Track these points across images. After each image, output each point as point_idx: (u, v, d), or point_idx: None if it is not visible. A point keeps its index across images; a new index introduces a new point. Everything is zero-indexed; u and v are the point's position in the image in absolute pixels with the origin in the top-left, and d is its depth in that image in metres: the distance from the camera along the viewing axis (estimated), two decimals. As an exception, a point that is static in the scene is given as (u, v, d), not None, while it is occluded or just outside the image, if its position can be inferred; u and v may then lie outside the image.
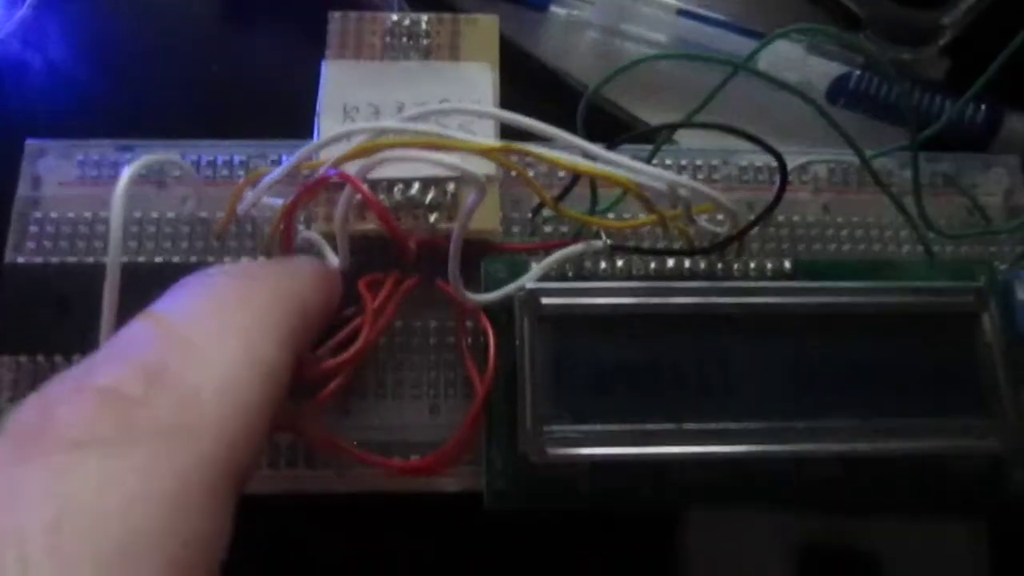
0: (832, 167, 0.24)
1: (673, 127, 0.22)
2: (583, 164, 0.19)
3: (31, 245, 0.22)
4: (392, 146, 0.19)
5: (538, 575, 0.23)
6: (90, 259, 0.22)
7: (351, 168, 0.20)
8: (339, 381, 0.19)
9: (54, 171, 0.23)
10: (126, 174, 0.18)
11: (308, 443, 0.20)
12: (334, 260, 0.21)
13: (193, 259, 0.22)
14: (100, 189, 0.23)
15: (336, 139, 0.20)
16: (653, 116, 0.25)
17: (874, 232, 0.24)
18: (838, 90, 0.25)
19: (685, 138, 0.25)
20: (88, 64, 0.26)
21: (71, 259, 0.22)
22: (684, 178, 0.20)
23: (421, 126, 0.20)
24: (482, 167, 0.21)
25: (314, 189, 0.20)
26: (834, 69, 0.26)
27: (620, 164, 0.20)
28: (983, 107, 0.25)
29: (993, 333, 0.21)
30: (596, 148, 0.20)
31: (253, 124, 0.24)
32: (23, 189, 0.23)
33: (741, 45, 0.26)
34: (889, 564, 0.24)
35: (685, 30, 0.26)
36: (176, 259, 0.22)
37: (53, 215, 0.22)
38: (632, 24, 0.26)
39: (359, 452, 0.19)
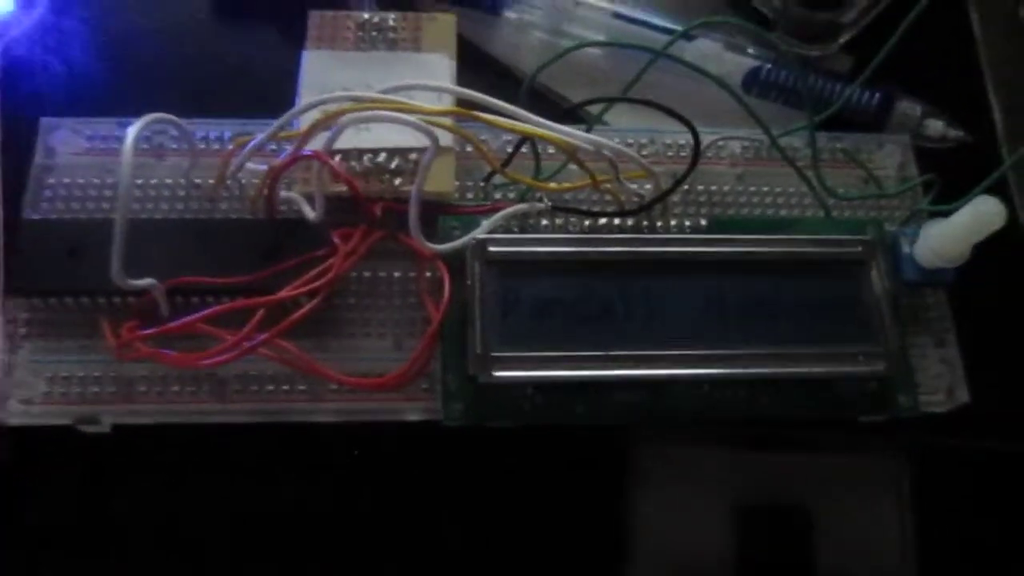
0: (745, 144, 0.28)
1: (606, 100, 0.26)
2: (525, 126, 0.23)
3: (45, 205, 0.25)
4: (356, 110, 0.22)
5: (487, 495, 0.26)
6: (97, 216, 0.25)
7: (323, 138, 0.23)
8: (312, 305, 0.22)
9: (66, 143, 0.26)
10: (135, 127, 0.21)
11: (286, 365, 0.23)
12: (311, 214, 0.24)
13: (188, 216, 0.25)
14: (105, 158, 0.26)
15: (310, 108, 0.23)
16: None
17: (781, 199, 0.27)
18: (751, 80, 0.29)
19: (616, 120, 0.28)
20: (95, 55, 0.29)
21: (81, 216, 0.25)
22: (606, 139, 0.23)
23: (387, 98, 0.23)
24: (439, 139, 0.25)
25: (293, 162, 0.24)
26: (748, 63, 0.29)
27: (554, 129, 0.23)
28: (877, 93, 0.29)
29: (879, 277, 0.25)
30: (536, 116, 0.23)
31: (240, 106, 0.27)
32: (39, 158, 0.26)
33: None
34: (819, 514, 0.27)
35: (620, 31, 0.30)
36: (173, 216, 0.25)
37: (65, 180, 0.26)
38: (574, 26, 0.30)
39: (333, 372, 0.23)
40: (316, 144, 0.24)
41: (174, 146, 0.26)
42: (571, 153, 0.23)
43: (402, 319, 0.25)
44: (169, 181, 0.26)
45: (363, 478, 0.26)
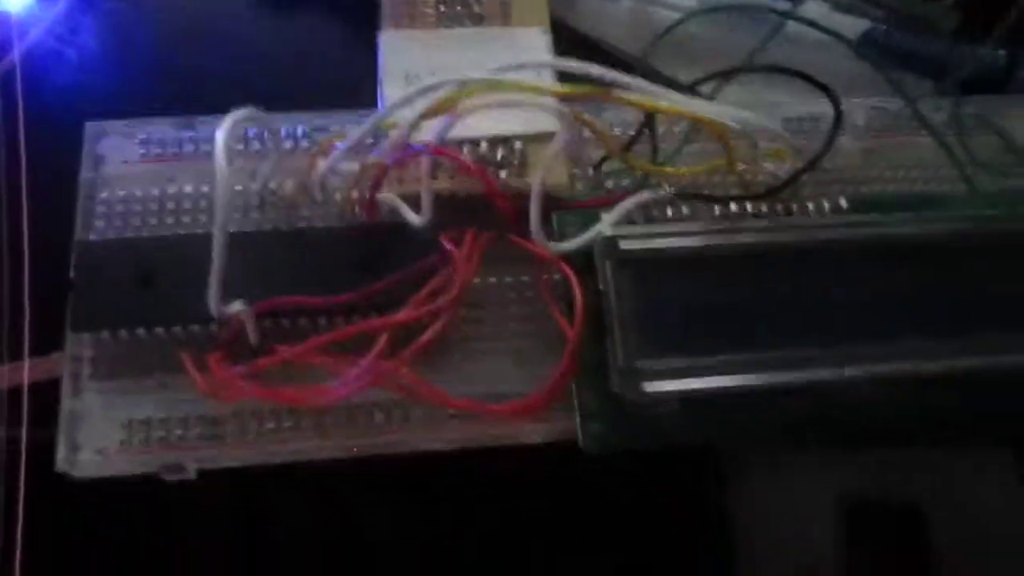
0: (870, 114, 0.25)
1: (734, 72, 0.23)
2: (666, 104, 0.20)
3: (100, 224, 0.22)
4: (473, 95, 0.19)
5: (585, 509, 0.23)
6: (164, 232, 0.22)
7: (429, 129, 0.20)
8: (440, 325, 0.19)
9: (116, 151, 0.23)
10: (223, 127, 0.18)
11: (407, 396, 0.20)
12: (413, 218, 0.21)
13: (266, 227, 0.22)
14: (163, 165, 0.23)
15: (422, 94, 0.20)
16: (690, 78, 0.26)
17: (915, 172, 0.25)
18: (866, 44, 0.27)
19: (728, 95, 0.25)
20: (128, 49, 0.26)
21: (144, 233, 0.22)
22: (762, 119, 0.21)
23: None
24: (548, 124, 0.22)
25: (406, 159, 0.21)
26: (859, 24, 0.27)
27: (696, 106, 0.20)
28: (1002, 53, 0.26)
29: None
30: (675, 93, 0.21)
31: (304, 98, 0.24)
32: (87, 170, 0.22)
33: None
34: (932, 514, 0.25)
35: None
36: (248, 228, 0.22)
37: (120, 193, 0.22)
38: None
39: (459, 399, 0.20)
40: (417, 137, 0.21)
41: (240, 147, 0.23)
42: (722, 135, 0.20)
43: (519, 331, 0.22)
44: (239, 187, 0.23)
45: (476, 507, 0.23)
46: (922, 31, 0.27)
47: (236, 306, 0.19)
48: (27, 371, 0.22)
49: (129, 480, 0.21)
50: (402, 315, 0.19)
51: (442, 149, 0.20)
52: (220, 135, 0.18)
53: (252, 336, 0.20)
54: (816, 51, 0.26)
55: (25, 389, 0.22)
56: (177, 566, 0.23)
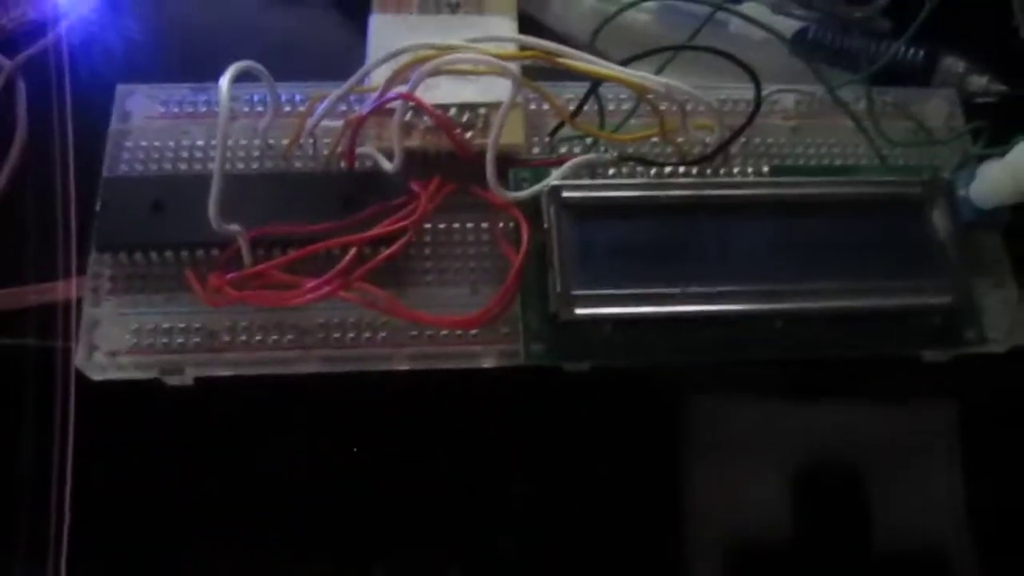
0: (799, 99, 0.29)
1: (666, 49, 0.26)
2: (603, 70, 0.23)
3: (124, 166, 0.26)
4: (432, 58, 0.23)
5: (551, 443, 0.27)
6: (177, 171, 0.26)
7: (402, 90, 0.24)
8: (404, 240, 0.23)
9: (141, 108, 0.27)
10: (227, 73, 0.22)
11: (367, 306, 0.23)
12: (389, 165, 0.25)
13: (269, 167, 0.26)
14: (180, 121, 0.27)
15: (390, 57, 0.24)
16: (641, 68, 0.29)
17: (836, 150, 0.28)
18: (799, 41, 0.30)
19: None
20: (159, 27, 0.31)
21: (161, 172, 0.26)
22: (679, 83, 0.24)
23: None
24: (506, 94, 0.26)
25: (379, 107, 0.24)
26: (793, 24, 0.30)
27: (627, 73, 0.24)
28: (921, 50, 0.30)
29: (942, 213, 0.26)
30: (610, 63, 0.24)
31: (305, 76, 0.28)
32: (115, 123, 0.26)
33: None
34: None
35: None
36: (252, 172, 0.26)
37: (142, 143, 0.26)
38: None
39: (420, 313, 0.23)
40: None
41: (245, 109, 0.27)
42: (643, 96, 0.24)
43: (477, 267, 0.26)
44: (244, 141, 0.26)
45: (437, 427, 0.27)
46: (853, 31, 0.31)
47: (234, 226, 0.23)
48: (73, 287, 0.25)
49: (139, 389, 0.24)
50: (370, 233, 0.22)
51: (411, 95, 0.23)
52: (224, 80, 0.21)
53: (246, 258, 0.24)
54: (755, 48, 0.30)
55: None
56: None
